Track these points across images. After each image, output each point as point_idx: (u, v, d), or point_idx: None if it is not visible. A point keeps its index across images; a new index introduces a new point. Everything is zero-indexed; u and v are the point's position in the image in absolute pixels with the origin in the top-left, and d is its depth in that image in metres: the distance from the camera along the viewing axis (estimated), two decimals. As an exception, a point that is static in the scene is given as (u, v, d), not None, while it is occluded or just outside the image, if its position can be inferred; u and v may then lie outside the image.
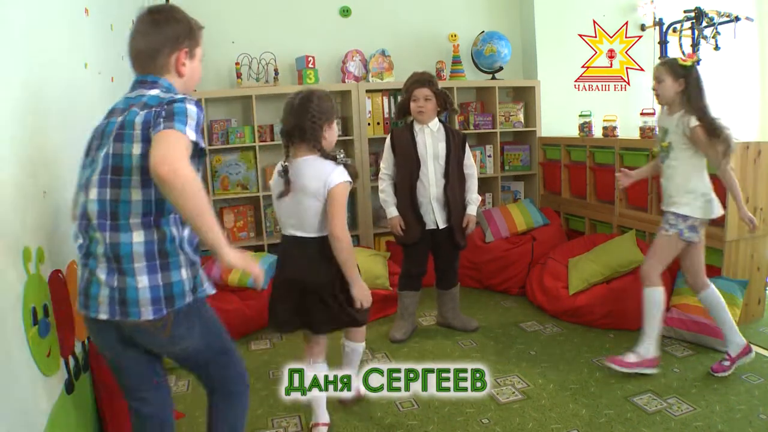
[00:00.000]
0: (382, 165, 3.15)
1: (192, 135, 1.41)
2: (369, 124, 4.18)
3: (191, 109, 1.45)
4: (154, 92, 1.53)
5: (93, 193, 1.48)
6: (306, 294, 2.14)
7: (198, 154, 1.46)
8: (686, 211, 2.55)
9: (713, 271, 3.15)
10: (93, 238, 1.50)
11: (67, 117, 2.22)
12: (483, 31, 4.52)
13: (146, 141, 1.42)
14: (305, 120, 2.07)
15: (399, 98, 3.23)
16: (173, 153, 1.34)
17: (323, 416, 2.32)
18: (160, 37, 1.58)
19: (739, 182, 2.95)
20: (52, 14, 2.13)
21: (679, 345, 2.94)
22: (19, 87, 1.77)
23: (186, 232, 1.55)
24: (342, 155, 2.11)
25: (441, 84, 3.17)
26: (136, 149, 1.44)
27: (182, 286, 1.51)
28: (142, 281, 1.46)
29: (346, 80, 4.21)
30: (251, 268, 1.50)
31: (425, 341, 3.16)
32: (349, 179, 2.08)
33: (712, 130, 2.45)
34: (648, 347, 2.64)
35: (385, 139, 3.21)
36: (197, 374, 1.77)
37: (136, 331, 1.52)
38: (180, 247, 1.52)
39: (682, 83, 2.55)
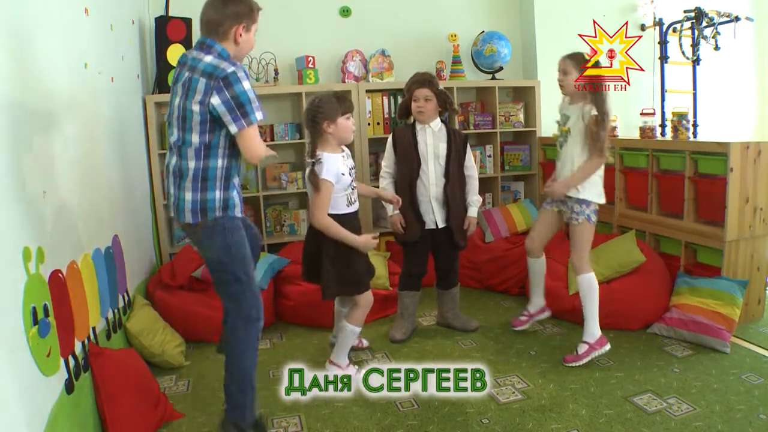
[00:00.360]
0: (383, 163, 3.16)
1: (260, 116, 1.99)
2: (369, 124, 4.18)
3: (248, 88, 1.96)
4: (209, 59, 2.00)
5: (172, 131, 2.10)
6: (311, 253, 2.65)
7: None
8: (588, 196, 2.78)
9: (713, 271, 3.15)
10: (171, 160, 2.12)
11: (67, 117, 2.22)
12: (483, 31, 4.52)
13: (203, 104, 1.98)
14: (308, 123, 2.56)
15: (399, 98, 3.23)
16: (256, 148, 2.03)
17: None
18: (225, 13, 2.03)
19: (739, 182, 2.98)
20: (52, 14, 2.13)
21: (679, 345, 2.94)
22: (19, 87, 1.77)
23: (232, 166, 2.11)
24: (312, 160, 2.51)
25: (441, 84, 3.16)
26: (196, 107, 1.99)
27: (214, 203, 2.07)
28: (188, 197, 2.06)
29: (346, 80, 4.21)
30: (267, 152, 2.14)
31: (425, 341, 3.16)
32: (324, 177, 2.46)
33: (602, 124, 2.70)
34: (593, 331, 2.79)
35: (385, 139, 3.21)
36: (219, 293, 2.22)
37: (185, 229, 2.16)
38: (222, 176, 2.08)
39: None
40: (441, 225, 3.07)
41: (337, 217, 2.53)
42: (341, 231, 2.49)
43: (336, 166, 2.50)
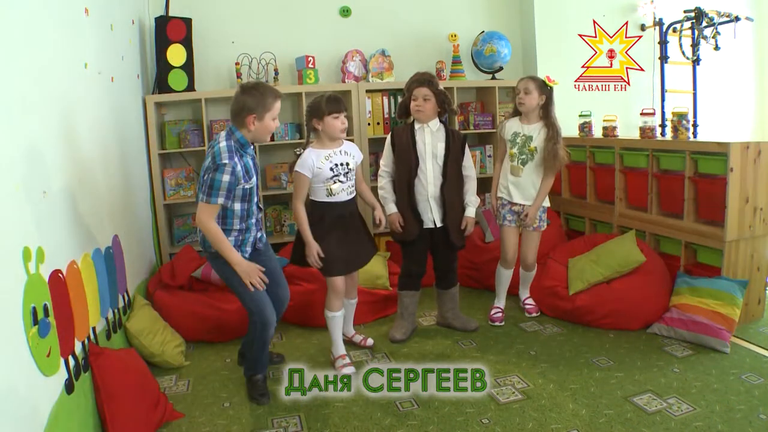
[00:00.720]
0: (381, 162, 3.16)
1: (221, 201, 2.33)
2: (369, 124, 4.18)
3: (225, 180, 2.31)
4: (223, 145, 2.35)
5: None
6: None
7: (244, 195, 2.44)
8: (546, 204, 3.27)
9: (713, 271, 3.15)
10: None
11: (67, 117, 2.22)
12: (483, 31, 4.52)
13: (202, 174, 2.38)
14: (305, 120, 2.80)
15: (399, 98, 3.24)
16: (201, 218, 2.36)
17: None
18: (240, 104, 2.38)
19: (739, 182, 2.99)
20: (52, 14, 2.13)
21: (679, 345, 2.94)
22: (20, 87, 1.77)
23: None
24: (298, 150, 2.79)
25: (441, 84, 3.16)
26: (202, 173, 2.39)
27: (206, 242, 2.45)
28: (199, 231, 2.47)
29: (346, 80, 4.21)
30: (245, 278, 2.42)
31: (425, 341, 3.16)
32: (296, 169, 2.69)
33: (557, 141, 3.10)
34: (526, 290, 3.52)
35: (384, 139, 3.22)
36: None
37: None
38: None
39: (544, 98, 3.14)
40: (439, 224, 3.07)
41: (317, 204, 2.75)
42: (302, 224, 2.72)
43: (311, 160, 2.68)
